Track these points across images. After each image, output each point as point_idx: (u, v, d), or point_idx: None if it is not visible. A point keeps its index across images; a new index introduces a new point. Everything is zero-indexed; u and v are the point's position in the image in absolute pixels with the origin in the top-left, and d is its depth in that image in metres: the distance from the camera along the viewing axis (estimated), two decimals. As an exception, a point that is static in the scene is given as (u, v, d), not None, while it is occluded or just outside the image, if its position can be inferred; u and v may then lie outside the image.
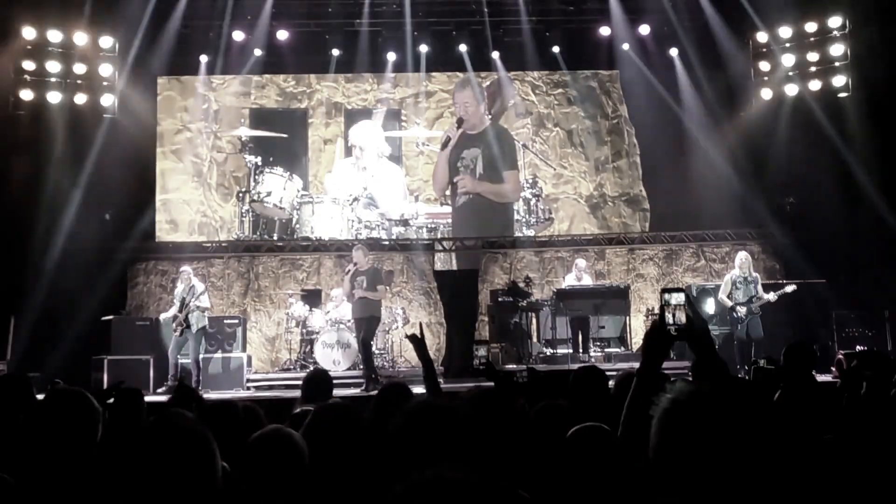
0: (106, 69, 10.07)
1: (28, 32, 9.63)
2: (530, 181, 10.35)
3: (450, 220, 10.53)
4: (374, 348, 8.86)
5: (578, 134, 11.49)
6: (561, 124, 11.52)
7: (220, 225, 10.93)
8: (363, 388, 7.58)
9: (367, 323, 7.77)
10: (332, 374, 7.38)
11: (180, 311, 8.18)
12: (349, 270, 7.83)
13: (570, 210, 11.27)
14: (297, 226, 10.08)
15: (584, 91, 11.53)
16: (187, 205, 10.98)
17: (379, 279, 7.90)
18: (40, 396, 2.41)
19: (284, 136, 10.91)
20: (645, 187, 11.36)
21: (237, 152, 10.82)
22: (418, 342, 3.65)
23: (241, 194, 10.14)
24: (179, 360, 8.21)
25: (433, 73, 11.40)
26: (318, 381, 3.48)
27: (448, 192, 11.15)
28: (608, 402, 3.09)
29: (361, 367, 8.07)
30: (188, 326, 8.14)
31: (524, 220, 10.09)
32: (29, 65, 9.66)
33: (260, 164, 10.02)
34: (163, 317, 8.56)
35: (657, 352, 1.91)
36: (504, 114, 11.46)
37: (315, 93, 11.38)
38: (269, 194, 9.81)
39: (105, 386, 7.85)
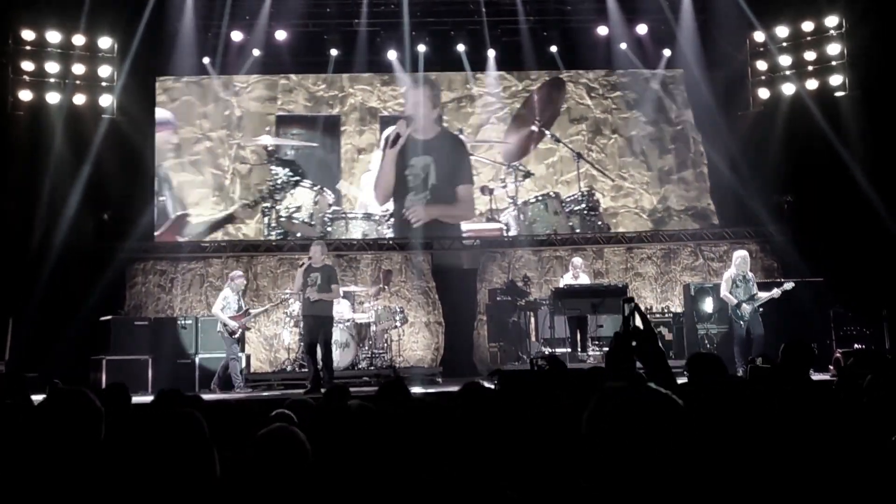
0: (104, 70, 10.08)
1: (27, 33, 9.64)
2: (585, 192, 9.53)
3: (497, 237, 9.80)
4: (366, 347, 8.89)
5: (639, 141, 10.44)
6: (620, 131, 10.49)
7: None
8: (307, 389, 7.21)
9: (320, 323, 7.42)
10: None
11: (243, 315, 8.21)
12: (303, 264, 7.55)
13: (631, 225, 10.22)
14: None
15: (645, 94, 10.49)
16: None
17: (334, 278, 7.50)
18: (39, 397, 2.43)
19: (314, 145, 10.19)
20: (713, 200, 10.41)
21: (262, 163, 10.05)
22: None
23: (266, 210, 9.50)
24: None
25: (478, 75, 10.62)
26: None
27: (391, 204, 10.11)
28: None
29: (306, 367, 7.54)
30: (247, 329, 8.30)
31: (581, 235, 9.26)
32: (28, 65, 9.67)
33: (288, 175, 9.43)
34: (226, 321, 8.03)
35: (623, 357, 1.98)
36: (557, 119, 10.58)
37: (348, 97, 10.49)
38: (297, 210, 9.22)
39: (104, 385, 7.90)
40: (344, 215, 9.80)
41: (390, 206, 10.02)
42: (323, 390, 6.41)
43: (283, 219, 9.37)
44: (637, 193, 10.50)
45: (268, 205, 9.53)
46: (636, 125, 10.62)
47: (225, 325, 8.11)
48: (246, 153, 10.39)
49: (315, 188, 9.57)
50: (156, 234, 10.15)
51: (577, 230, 9.51)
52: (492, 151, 10.50)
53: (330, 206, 9.78)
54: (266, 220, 9.50)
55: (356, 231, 9.67)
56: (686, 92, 10.75)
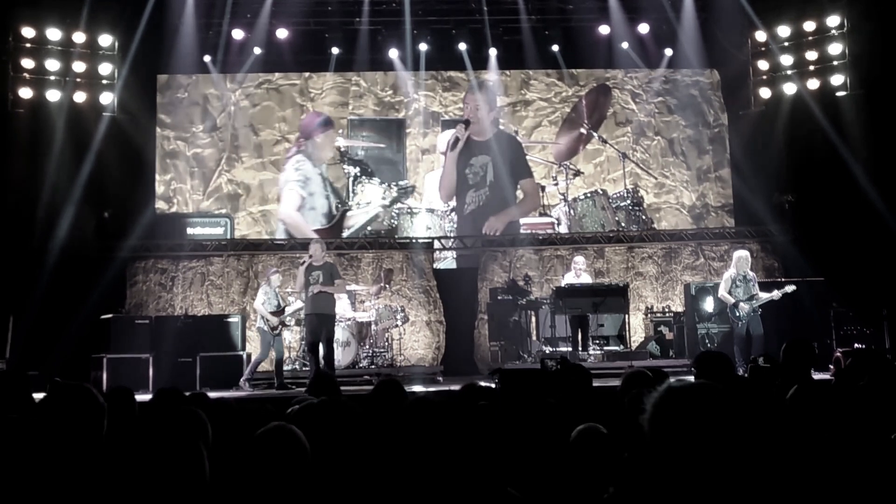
0: (105, 67, 10.07)
1: (27, 31, 9.63)
2: (630, 190, 10.32)
3: (549, 231, 10.26)
4: (367, 346, 8.90)
5: (679, 143, 11.32)
6: (662, 133, 11.37)
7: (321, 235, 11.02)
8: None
9: (323, 321, 7.44)
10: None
11: (281, 312, 8.26)
12: (304, 262, 7.56)
13: (673, 220, 11.15)
14: (396, 235, 10.25)
15: (685, 99, 11.34)
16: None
17: (336, 274, 7.58)
18: (40, 395, 2.42)
19: (382, 146, 11.11)
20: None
21: (335, 162, 10.94)
22: None
23: (339, 205, 10.52)
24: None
25: (532, 82, 11.40)
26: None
27: (454, 201, 10.91)
28: (593, 400, 3.13)
29: (310, 366, 7.64)
30: (285, 327, 8.38)
31: (625, 230, 9.97)
32: (28, 63, 9.66)
33: (358, 174, 10.33)
34: (267, 317, 8.14)
35: None
36: (604, 122, 11.31)
37: (412, 102, 11.39)
38: (367, 205, 10.21)
39: (105, 383, 7.90)
40: (409, 210, 10.52)
41: (453, 202, 10.86)
42: None
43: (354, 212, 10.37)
44: (678, 191, 11.35)
45: (341, 200, 10.59)
46: (677, 128, 11.45)
47: (267, 320, 8.18)
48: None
49: (383, 185, 10.49)
50: (321, 227, 10.84)
51: (623, 224, 10.10)
52: (544, 152, 11.31)
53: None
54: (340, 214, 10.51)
55: (420, 225, 10.45)
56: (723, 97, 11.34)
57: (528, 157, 11.08)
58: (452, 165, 10.72)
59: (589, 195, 10.24)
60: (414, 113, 11.35)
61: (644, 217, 10.24)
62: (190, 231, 10.53)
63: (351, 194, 10.37)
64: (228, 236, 10.45)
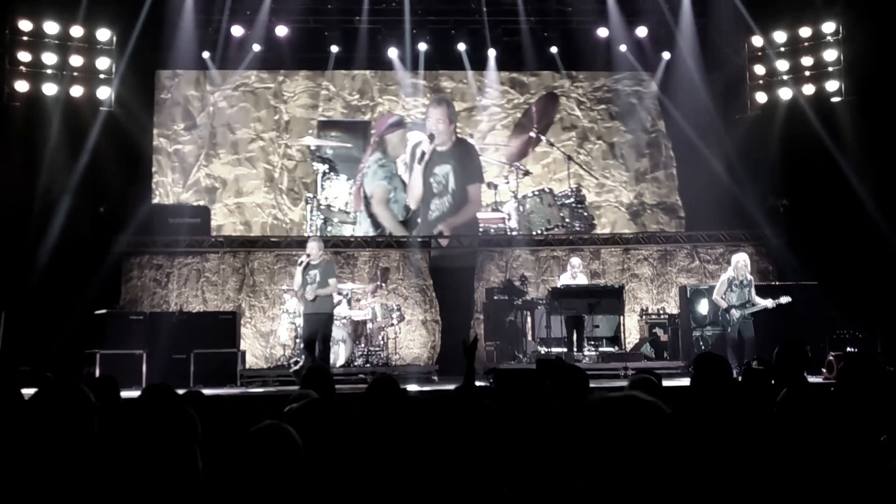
0: (103, 62, 10.04)
1: (24, 24, 9.59)
2: (574, 189, 10.94)
3: (500, 225, 10.81)
4: (362, 345, 8.90)
5: (619, 147, 12.03)
6: (604, 138, 12.06)
7: (291, 227, 11.51)
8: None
9: (321, 320, 7.52)
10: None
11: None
12: (302, 262, 7.59)
13: (612, 217, 11.87)
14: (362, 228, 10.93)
15: (625, 107, 12.02)
16: (260, 208, 11.62)
17: (330, 272, 7.65)
18: (32, 390, 2.41)
19: (349, 145, 11.69)
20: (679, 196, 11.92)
21: (305, 160, 11.53)
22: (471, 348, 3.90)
23: (309, 199, 10.93)
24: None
25: (487, 89, 11.91)
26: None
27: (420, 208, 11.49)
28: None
29: (302, 364, 7.74)
30: None
31: (569, 225, 10.57)
32: (25, 56, 9.62)
33: (326, 171, 10.86)
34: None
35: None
36: (551, 127, 11.87)
37: (377, 106, 11.92)
38: (336, 199, 10.84)
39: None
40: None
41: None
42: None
43: (323, 207, 10.73)
44: (617, 190, 12.08)
45: (310, 195, 11.00)
46: (617, 133, 12.18)
47: None
48: (292, 151, 11.75)
49: (349, 181, 11.14)
50: (402, 220, 11.44)
51: (567, 220, 10.65)
52: (497, 153, 11.87)
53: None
54: (309, 207, 10.80)
55: (386, 217, 11.24)
56: (660, 104, 12.07)
57: (482, 158, 11.70)
58: (419, 178, 11.39)
59: (536, 193, 10.76)
60: (379, 116, 11.86)
61: (586, 214, 10.92)
62: (171, 221, 10.63)
63: (320, 189, 10.80)
64: (206, 226, 10.54)
